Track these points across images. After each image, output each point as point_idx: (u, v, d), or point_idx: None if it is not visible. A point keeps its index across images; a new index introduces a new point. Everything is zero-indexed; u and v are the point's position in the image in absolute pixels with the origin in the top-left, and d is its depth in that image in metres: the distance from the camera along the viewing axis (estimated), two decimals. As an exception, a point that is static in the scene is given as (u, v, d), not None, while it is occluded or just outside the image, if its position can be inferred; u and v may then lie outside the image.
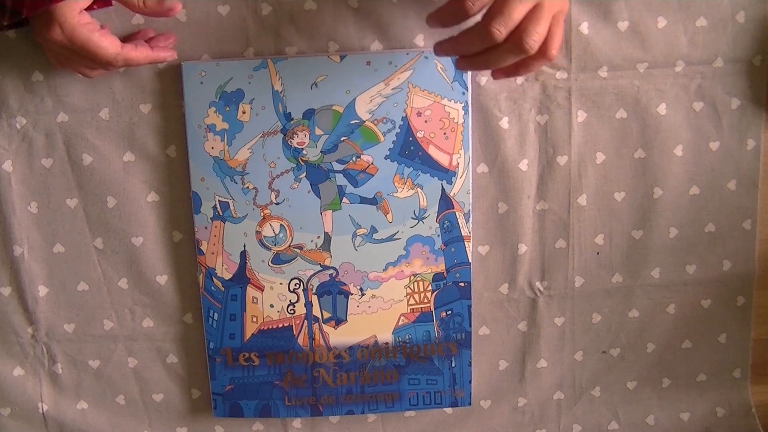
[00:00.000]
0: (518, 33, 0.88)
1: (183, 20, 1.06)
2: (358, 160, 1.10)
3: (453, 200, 1.13)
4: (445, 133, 1.10)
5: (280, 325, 1.17)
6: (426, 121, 1.09)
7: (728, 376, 1.28)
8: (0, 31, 0.98)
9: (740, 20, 1.11)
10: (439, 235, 1.14)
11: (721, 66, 1.13)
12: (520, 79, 1.11)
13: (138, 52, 1.00)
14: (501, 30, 0.86)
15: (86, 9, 0.95)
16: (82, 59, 0.98)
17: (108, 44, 0.96)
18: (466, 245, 1.15)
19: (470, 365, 1.20)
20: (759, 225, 1.20)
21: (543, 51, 0.91)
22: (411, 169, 1.11)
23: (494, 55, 0.91)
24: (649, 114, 1.14)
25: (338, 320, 1.17)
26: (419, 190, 1.12)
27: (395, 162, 1.11)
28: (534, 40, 0.88)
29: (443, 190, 1.12)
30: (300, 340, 1.18)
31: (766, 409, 1.29)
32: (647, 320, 1.24)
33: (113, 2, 1.01)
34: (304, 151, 1.10)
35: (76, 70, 1.03)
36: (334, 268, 1.15)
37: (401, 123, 1.09)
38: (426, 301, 1.17)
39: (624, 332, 1.24)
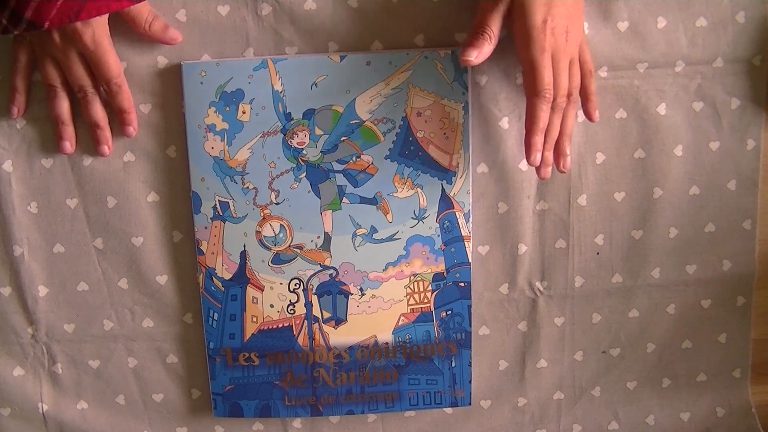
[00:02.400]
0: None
1: (183, 20, 1.06)
2: (358, 160, 1.10)
3: (453, 200, 1.13)
4: (445, 133, 1.10)
5: (280, 325, 1.17)
6: (426, 121, 1.09)
7: (728, 376, 1.28)
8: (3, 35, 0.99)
9: (740, 20, 1.11)
10: (439, 235, 1.14)
11: (721, 66, 1.13)
12: (520, 80, 1.11)
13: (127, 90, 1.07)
14: None
15: None
16: (81, 69, 1.03)
17: (116, 63, 1.04)
18: (466, 245, 1.15)
19: (470, 365, 1.20)
20: (759, 225, 1.20)
21: None
22: (411, 169, 1.11)
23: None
24: (649, 114, 1.14)
25: (338, 320, 1.17)
26: (419, 190, 1.12)
27: (395, 162, 1.11)
28: None
29: (443, 190, 1.12)
30: (300, 340, 1.18)
31: (766, 409, 1.29)
32: (647, 320, 1.24)
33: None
34: (304, 151, 1.10)
35: (52, 83, 1.05)
36: (334, 268, 1.15)
37: (401, 123, 1.09)
38: (426, 301, 1.17)
39: (624, 332, 1.24)
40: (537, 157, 1.05)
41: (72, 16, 0.93)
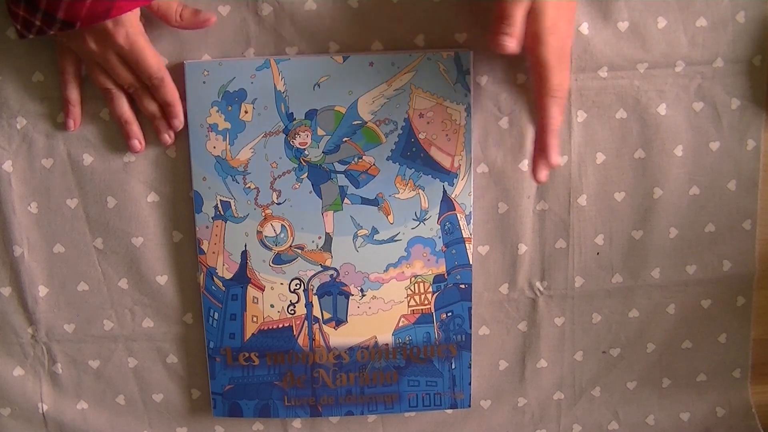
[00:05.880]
0: None
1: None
2: (360, 160, 1.10)
3: (454, 202, 1.13)
4: (447, 135, 1.10)
5: (281, 326, 1.17)
6: (428, 123, 1.09)
7: (728, 376, 1.28)
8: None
9: (740, 20, 1.11)
10: (440, 237, 1.14)
11: (721, 66, 1.13)
12: (520, 80, 1.12)
13: (171, 82, 1.06)
14: None
15: None
16: (124, 69, 1.03)
17: (155, 58, 1.04)
18: (467, 247, 1.15)
19: (470, 367, 1.21)
20: (759, 225, 1.21)
21: None
22: (412, 170, 1.11)
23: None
24: (649, 114, 1.14)
25: (338, 321, 1.17)
26: (421, 191, 1.12)
27: (397, 163, 1.11)
28: None
29: (444, 191, 1.12)
30: (300, 341, 1.18)
31: (766, 409, 1.29)
32: (647, 320, 1.24)
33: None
34: (306, 152, 1.10)
35: (106, 86, 1.06)
36: (335, 269, 1.15)
37: (403, 124, 1.09)
38: (426, 302, 1.17)
39: (624, 332, 1.24)
40: (558, 158, 1.03)
41: (102, 13, 0.94)
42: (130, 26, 0.98)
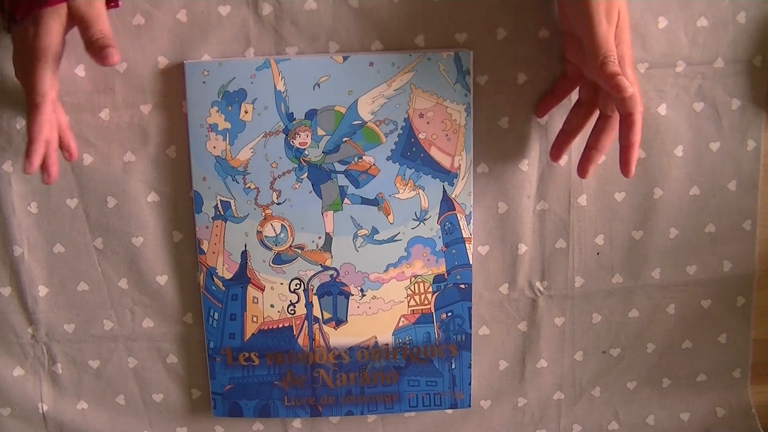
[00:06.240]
0: None
1: (183, 20, 1.05)
2: (360, 160, 1.10)
3: (454, 202, 1.13)
4: (447, 135, 1.10)
5: (281, 326, 1.17)
6: (428, 123, 1.09)
7: (728, 376, 1.28)
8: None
9: (741, 21, 1.11)
10: (440, 237, 1.14)
11: (722, 66, 1.13)
12: (520, 79, 1.11)
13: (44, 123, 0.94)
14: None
15: None
16: (22, 80, 0.95)
17: (48, 78, 0.93)
18: (467, 247, 1.15)
19: (470, 367, 1.21)
20: (759, 225, 1.21)
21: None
22: (413, 170, 1.11)
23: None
24: (650, 114, 1.13)
25: (338, 321, 1.17)
26: (421, 191, 1.12)
27: (397, 163, 1.11)
28: None
29: (444, 191, 1.12)
30: (300, 341, 1.18)
31: (766, 409, 1.29)
32: (647, 320, 1.24)
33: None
34: (306, 152, 1.10)
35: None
36: (335, 269, 1.15)
37: (403, 124, 1.09)
38: (426, 302, 1.17)
39: (624, 332, 1.24)
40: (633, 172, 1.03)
41: (41, 1, 0.90)
42: (45, 29, 0.90)
